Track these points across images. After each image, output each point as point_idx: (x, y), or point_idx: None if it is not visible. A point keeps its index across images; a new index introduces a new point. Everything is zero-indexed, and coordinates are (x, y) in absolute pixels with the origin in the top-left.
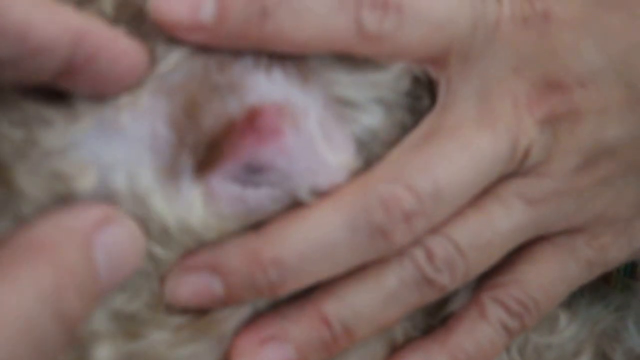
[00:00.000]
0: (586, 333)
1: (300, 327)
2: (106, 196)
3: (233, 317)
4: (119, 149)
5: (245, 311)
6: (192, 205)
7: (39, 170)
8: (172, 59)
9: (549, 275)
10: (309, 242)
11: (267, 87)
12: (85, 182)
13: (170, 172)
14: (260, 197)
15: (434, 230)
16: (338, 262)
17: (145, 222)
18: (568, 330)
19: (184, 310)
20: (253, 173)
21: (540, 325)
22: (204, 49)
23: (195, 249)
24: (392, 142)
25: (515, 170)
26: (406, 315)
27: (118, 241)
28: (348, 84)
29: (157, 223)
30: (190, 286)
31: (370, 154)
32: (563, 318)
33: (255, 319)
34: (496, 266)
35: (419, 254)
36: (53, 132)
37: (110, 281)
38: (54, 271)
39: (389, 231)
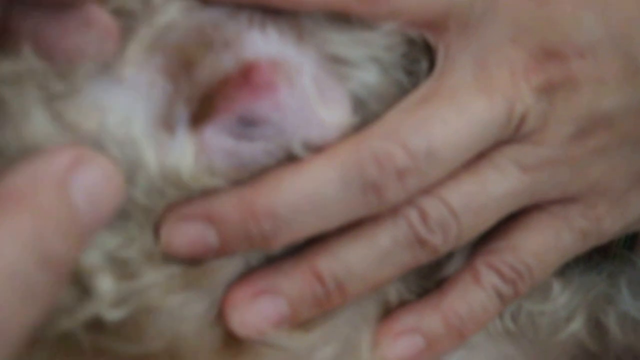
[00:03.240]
0: (579, 299)
1: (294, 282)
2: (102, 141)
3: (226, 268)
4: (117, 96)
5: (238, 264)
6: (184, 156)
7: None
8: (169, 14)
9: (543, 244)
10: (302, 194)
11: (261, 43)
12: (88, 125)
13: (165, 122)
14: (253, 150)
15: (428, 191)
16: (330, 216)
17: (137, 169)
18: (561, 297)
19: (178, 260)
20: (247, 126)
21: (533, 293)
22: (199, 6)
23: (184, 200)
24: (390, 101)
25: (510, 136)
26: (400, 278)
27: (94, 180)
28: (342, 42)
29: (148, 170)
30: (185, 235)
31: (368, 112)
32: (556, 286)
33: (249, 273)
34: (491, 233)
35: (412, 214)
36: (58, 77)
37: (92, 221)
38: (33, 217)
39: (381, 187)
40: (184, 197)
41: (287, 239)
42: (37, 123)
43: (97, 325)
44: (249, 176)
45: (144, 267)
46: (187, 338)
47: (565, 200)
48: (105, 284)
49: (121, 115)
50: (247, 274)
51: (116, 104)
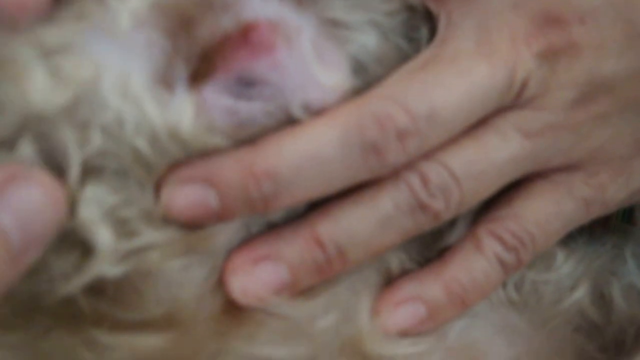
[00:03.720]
0: (583, 269)
1: (294, 248)
2: (101, 98)
3: (226, 234)
4: (115, 52)
5: (239, 230)
6: (183, 114)
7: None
8: None
9: (545, 212)
10: (303, 155)
11: (260, 5)
12: (86, 79)
13: (164, 80)
14: (252, 110)
15: (429, 156)
16: (331, 178)
17: (137, 124)
18: (565, 266)
19: (178, 224)
20: (245, 86)
21: (536, 262)
22: None
23: (183, 159)
24: (390, 66)
25: (512, 102)
26: (402, 247)
27: (27, 200)
28: (341, 6)
29: (147, 128)
30: (184, 198)
31: (368, 76)
32: (560, 255)
33: (249, 239)
34: (493, 201)
35: (413, 178)
36: (57, 29)
37: (25, 242)
38: None
39: (381, 149)
40: (184, 156)
41: (287, 201)
42: (36, 78)
43: (96, 290)
44: (249, 136)
45: (143, 227)
46: (187, 305)
47: (567, 168)
48: (105, 239)
49: (120, 71)
50: (247, 240)
51: (114, 60)
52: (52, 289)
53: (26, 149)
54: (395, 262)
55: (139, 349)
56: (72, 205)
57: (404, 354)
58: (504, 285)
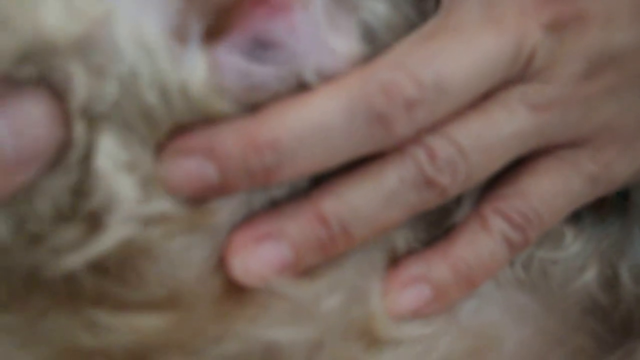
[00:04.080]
0: (592, 249)
1: (297, 225)
2: (111, 45)
3: (228, 209)
4: (130, 3)
5: (241, 206)
6: (194, 72)
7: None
8: None
9: (552, 189)
10: (306, 125)
11: None
12: (97, 14)
13: (178, 35)
14: (264, 73)
15: (436, 130)
16: (335, 149)
17: (149, 79)
18: (573, 246)
19: (178, 198)
20: (260, 48)
21: (545, 241)
22: None
23: (187, 121)
24: (400, 34)
25: (519, 75)
26: (408, 225)
27: (24, 111)
28: None
29: (159, 82)
30: (182, 170)
31: (378, 43)
32: (568, 234)
33: (251, 217)
34: (499, 179)
35: (420, 153)
36: None
37: (19, 154)
38: None
39: (388, 119)
40: (190, 118)
41: (290, 173)
42: (50, 9)
43: (99, 268)
44: (257, 102)
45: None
46: (188, 285)
47: (574, 144)
48: (127, 189)
49: (133, 19)
50: (248, 219)
51: (128, 7)
52: (53, 262)
53: (29, 74)
54: (401, 241)
55: (139, 330)
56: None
57: (414, 336)
58: (512, 264)
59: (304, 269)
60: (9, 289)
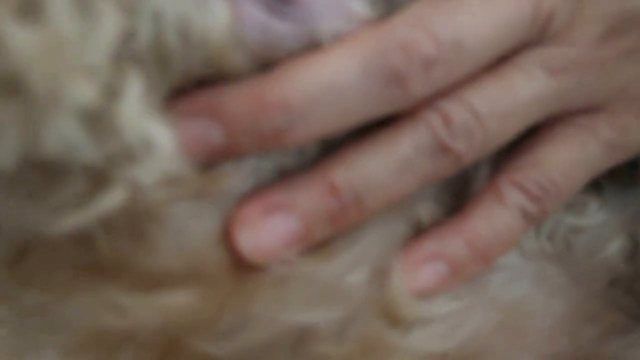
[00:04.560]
0: (617, 218)
1: (307, 196)
2: None
3: (235, 175)
4: None
5: (249, 174)
6: (218, 19)
7: None
8: None
9: (569, 158)
10: (319, 83)
11: None
12: None
13: None
14: (283, 30)
15: (451, 94)
16: (349, 109)
17: (169, 19)
18: (598, 215)
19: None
20: (282, 3)
21: (569, 210)
22: None
23: (203, 71)
24: None
25: (537, 37)
26: (431, 196)
27: None
28: None
29: (180, 23)
30: (187, 133)
31: (393, 5)
32: (593, 205)
33: (258, 189)
34: (514, 149)
35: (434, 118)
36: None
37: None
38: None
39: (405, 78)
40: (201, 68)
41: (300, 134)
42: None
43: (111, 228)
44: (270, 62)
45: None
46: (203, 258)
47: (591, 109)
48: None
49: None
50: (255, 191)
51: None
52: (60, 219)
53: None
54: (424, 212)
55: (163, 310)
56: None
57: (443, 312)
58: (538, 235)
59: (314, 241)
60: (29, 264)
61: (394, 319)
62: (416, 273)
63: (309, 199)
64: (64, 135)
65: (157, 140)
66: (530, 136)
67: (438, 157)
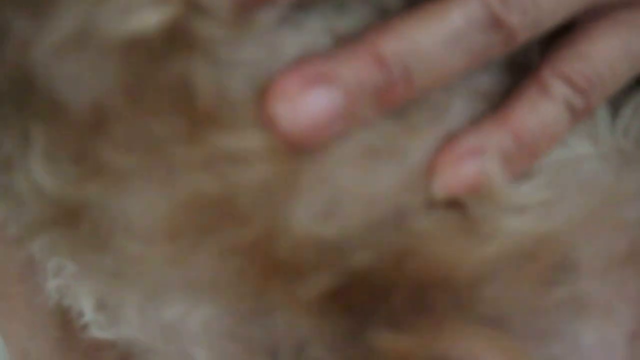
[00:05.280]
0: None
1: (352, 67)
2: None
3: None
4: None
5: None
6: None
7: None
8: None
9: (613, 51)
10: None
11: None
12: None
13: None
14: None
15: None
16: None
17: None
18: None
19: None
20: None
21: None
22: None
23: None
24: None
25: None
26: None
27: None
28: None
29: None
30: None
31: None
32: None
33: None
34: (554, 43)
35: None
36: None
37: None
38: None
39: None
40: None
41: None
42: None
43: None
44: None
45: None
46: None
47: (627, 3)
48: None
49: None
50: (296, 61)
51: None
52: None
53: None
54: None
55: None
56: None
57: (534, 200)
58: (613, 131)
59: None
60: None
61: (492, 202)
62: (457, 169)
63: (353, 70)
64: None
65: None
66: (570, 32)
67: (491, 31)
